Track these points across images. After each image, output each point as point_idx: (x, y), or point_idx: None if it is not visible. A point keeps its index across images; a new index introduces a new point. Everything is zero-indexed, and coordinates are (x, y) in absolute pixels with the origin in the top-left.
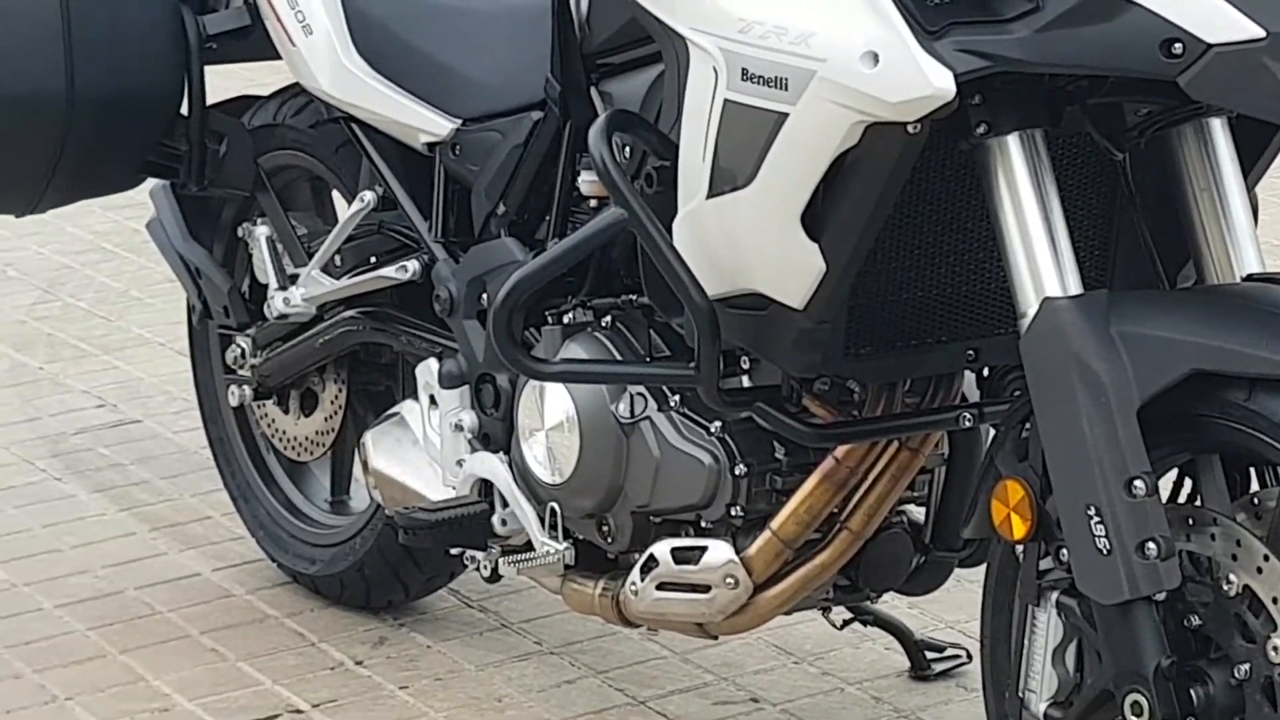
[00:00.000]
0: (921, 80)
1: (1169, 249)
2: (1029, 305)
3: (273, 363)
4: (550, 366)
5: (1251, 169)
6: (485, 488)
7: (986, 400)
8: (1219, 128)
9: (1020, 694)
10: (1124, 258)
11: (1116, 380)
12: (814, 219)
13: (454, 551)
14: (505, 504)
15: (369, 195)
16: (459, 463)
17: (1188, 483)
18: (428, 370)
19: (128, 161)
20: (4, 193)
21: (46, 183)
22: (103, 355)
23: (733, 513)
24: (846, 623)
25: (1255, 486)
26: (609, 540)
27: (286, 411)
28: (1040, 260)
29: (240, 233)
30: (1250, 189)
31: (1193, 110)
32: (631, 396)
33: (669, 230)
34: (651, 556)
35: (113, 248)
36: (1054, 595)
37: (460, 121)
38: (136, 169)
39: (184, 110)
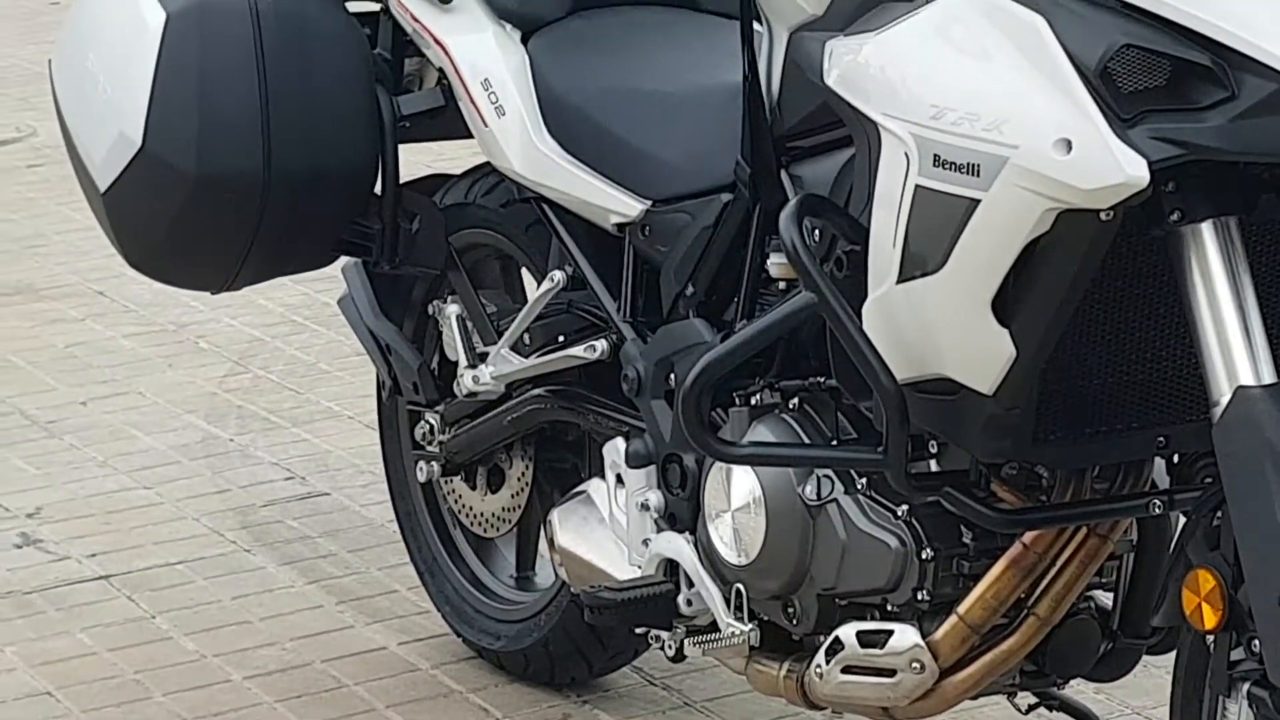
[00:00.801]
0: (1115, 168)
1: None
2: (1222, 393)
3: (461, 439)
4: (738, 449)
5: None
6: (671, 567)
7: (1177, 487)
8: None
9: None
10: None
11: None
12: (1004, 304)
13: (639, 630)
14: (691, 584)
15: (558, 275)
16: (645, 542)
17: None
18: (614, 449)
19: (321, 240)
20: (200, 270)
21: (242, 260)
22: (292, 428)
23: (919, 597)
24: (1032, 707)
25: None
26: (794, 622)
27: (473, 487)
28: (1234, 348)
29: (430, 310)
30: None
31: None
32: (818, 479)
33: (858, 314)
34: (837, 639)
35: (303, 320)
36: (1245, 686)
37: (650, 202)
38: (330, 247)
39: (377, 189)
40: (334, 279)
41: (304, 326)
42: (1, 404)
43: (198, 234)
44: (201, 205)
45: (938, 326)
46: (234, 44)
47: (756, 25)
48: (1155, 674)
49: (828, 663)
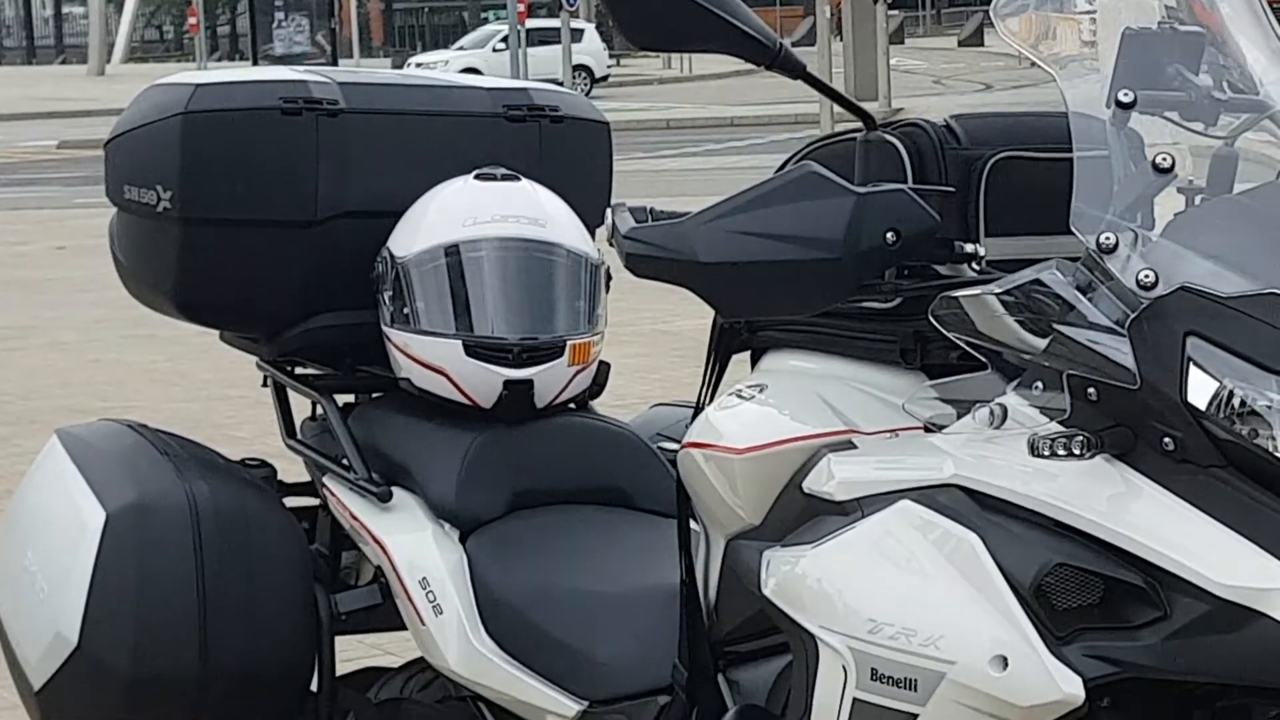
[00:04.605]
0: (1050, 685)
1: None
2: None
3: None
4: None
5: None
6: None
7: None
8: None
9: None
10: None
11: None
12: None
13: None
14: None
15: None
16: None
17: None
18: None
19: None
20: None
21: None
22: None
23: None
24: None
25: None
26: None
27: None
28: None
29: None
30: None
31: None
32: None
33: None
34: None
35: None
36: None
37: (587, 703)
38: None
39: (313, 685)
40: None
41: None
42: None
43: None
44: (137, 706)
45: None
46: (173, 543)
47: (693, 525)
48: None
49: None
